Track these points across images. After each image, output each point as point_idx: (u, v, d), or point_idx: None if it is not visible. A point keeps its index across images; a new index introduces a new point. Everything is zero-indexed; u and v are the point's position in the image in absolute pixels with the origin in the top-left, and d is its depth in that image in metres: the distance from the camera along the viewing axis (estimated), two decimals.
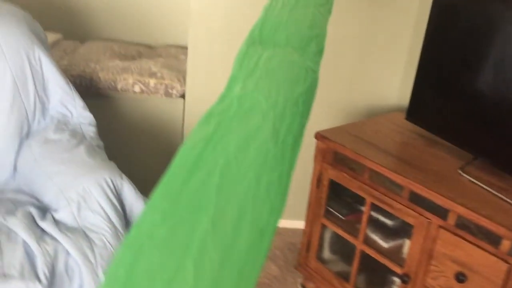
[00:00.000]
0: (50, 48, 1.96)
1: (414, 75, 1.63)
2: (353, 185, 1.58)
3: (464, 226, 1.33)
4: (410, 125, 1.68)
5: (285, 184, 0.61)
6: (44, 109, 1.61)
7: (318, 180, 1.69)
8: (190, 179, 0.51)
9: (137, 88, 2.00)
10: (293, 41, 0.86)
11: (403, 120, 1.70)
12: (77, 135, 1.58)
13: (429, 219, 1.39)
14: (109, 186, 1.39)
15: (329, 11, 1.11)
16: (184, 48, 2.30)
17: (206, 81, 1.97)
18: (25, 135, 1.57)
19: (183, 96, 2.04)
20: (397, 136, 1.69)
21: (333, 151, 1.63)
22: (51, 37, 2.19)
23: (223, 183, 0.51)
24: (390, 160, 1.52)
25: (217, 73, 1.94)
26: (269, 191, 0.56)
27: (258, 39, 0.86)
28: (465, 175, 1.45)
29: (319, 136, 1.65)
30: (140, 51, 2.30)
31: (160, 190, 0.51)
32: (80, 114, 1.66)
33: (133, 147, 2.08)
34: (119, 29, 2.39)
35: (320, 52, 0.92)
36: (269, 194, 0.55)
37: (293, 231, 2.15)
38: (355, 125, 1.74)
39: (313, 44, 0.89)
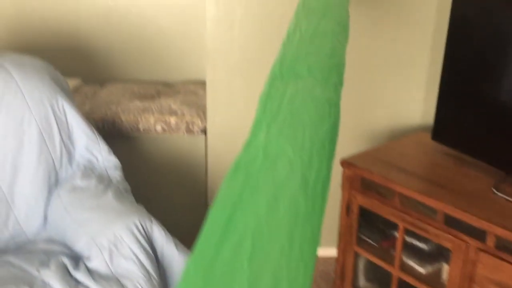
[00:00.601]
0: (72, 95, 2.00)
1: (436, 92, 1.61)
2: (384, 211, 1.55)
3: (504, 248, 1.29)
4: (437, 145, 1.65)
5: (317, 237, 0.58)
6: (70, 157, 1.63)
7: (347, 208, 1.66)
8: (222, 247, 0.49)
9: (158, 128, 2.01)
10: (314, 72, 0.85)
11: (429, 140, 1.67)
12: (104, 180, 1.59)
13: (467, 242, 1.35)
14: (139, 230, 1.39)
15: (346, 39, 1.10)
16: (202, 83, 2.32)
17: (226, 116, 1.98)
18: (53, 184, 1.59)
19: (204, 131, 2.04)
20: (424, 158, 1.66)
21: (360, 178, 1.60)
22: (71, 83, 2.24)
23: (255, 251, 0.49)
24: (420, 183, 1.49)
25: (237, 107, 1.95)
26: (302, 250, 0.53)
27: (279, 74, 0.85)
28: (499, 193, 1.41)
29: (345, 163, 1.63)
30: (159, 89, 2.33)
31: (193, 262, 0.49)
32: (106, 159, 1.67)
33: (159, 186, 2.08)
34: (137, 69, 2.43)
35: (341, 82, 0.91)
36: (302, 254, 0.53)
37: (325, 259, 2.12)
38: (381, 149, 1.72)
39: (334, 74, 0.88)
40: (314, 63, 0.87)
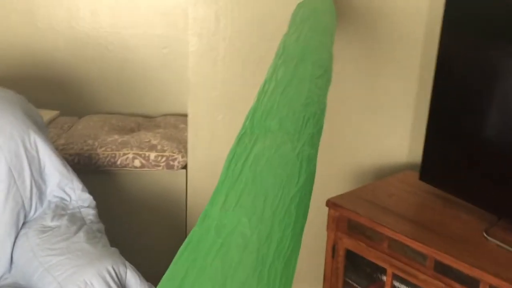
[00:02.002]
0: (47, 126, 1.91)
1: (423, 130, 1.57)
2: (372, 255, 1.48)
3: None
4: (425, 186, 1.60)
5: None
6: (41, 195, 1.54)
7: (333, 250, 1.59)
8: None
9: (137, 163, 1.93)
10: (286, 125, 0.78)
11: (416, 180, 1.62)
12: (76, 221, 1.50)
13: None
14: (112, 277, 1.30)
15: (328, 81, 1.04)
16: (183, 116, 2.26)
17: (208, 151, 1.91)
18: (22, 224, 1.49)
19: (185, 167, 1.97)
20: (412, 199, 1.61)
21: (347, 219, 1.54)
22: (48, 114, 2.16)
23: None
24: (409, 226, 1.43)
25: (219, 142, 1.89)
26: None
27: (249, 128, 0.78)
28: (491, 239, 1.36)
29: (331, 203, 1.56)
30: (139, 122, 2.26)
31: None
32: (79, 197, 1.58)
33: (135, 225, 1.99)
34: (117, 101, 2.36)
35: (318, 131, 0.85)
36: None
37: None
38: (367, 189, 1.66)
39: (309, 124, 0.81)
40: (286, 115, 0.80)
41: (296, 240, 0.60)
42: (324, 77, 1.00)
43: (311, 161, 0.74)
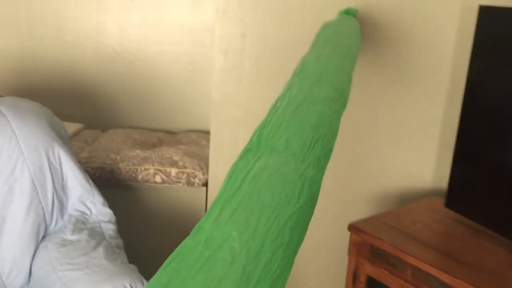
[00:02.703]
0: (71, 139, 1.93)
1: (449, 155, 1.53)
2: (395, 283, 1.44)
3: None
4: (450, 213, 1.56)
5: None
6: (62, 208, 1.54)
7: (354, 277, 1.55)
8: None
9: (158, 179, 1.93)
10: (293, 145, 0.76)
11: (442, 206, 1.58)
12: (96, 235, 1.50)
13: None
14: None
15: (343, 104, 1.02)
16: (205, 133, 2.26)
17: (228, 169, 1.90)
18: (42, 237, 1.49)
19: (205, 184, 1.96)
20: (438, 226, 1.56)
21: (369, 245, 1.50)
22: (73, 127, 2.18)
23: None
24: (434, 256, 1.39)
25: None
26: None
27: (255, 145, 0.76)
28: None
29: (353, 228, 1.53)
30: (161, 137, 2.27)
31: None
32: (100, 212, 1.58)
33: (155, 239, 1.98)
34: (140, 115, 2.38)
35: (326, 155, 0.82)
36: None
37: None
38: (390, 214, 1.62)
39: (317, 147, 0.78)
40: (294, 135, 0.79)
41: (287, 262, 0.58)
42: (339, 100, 0.98)
43: (314, 183, 0.73)
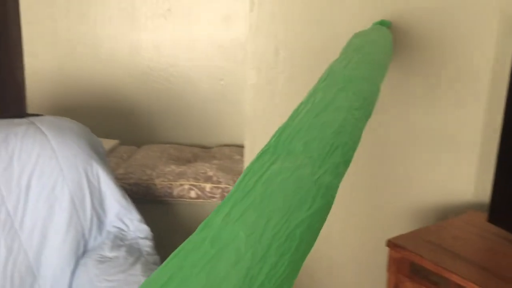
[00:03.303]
0: (108, 155, 1.97)
1: (490, 168, 1.48)
2: None
3: None
4: (493, 228, 1.51)
5: None
6: (100, 225, 1.57)
7: None
8: None
9: (193, 194, 1.94)
10: (311, 149, 0.74)
11: (483, 221, 1.53)
12: (133, 252, 1.51)
13: None
14: None
15: (367, 115, 1.00)
16: (238, 147, 2.26)
17: None
18: (81, 253, 1.52)
19: None
20: (480, 242, 1.51)
21: (409, 262, 1.47)
22: (109, 143, 2.22)
23: None
24: (478, 273, 1.34)
25: None
26: None
27: (272, 147, 0.75)
28: None
29: (392, 244, 1.50)
30: (195, 152, 2.28)
31: None
32: (137, 228, 1.60)
33: None
34: (174, 131, 2.40)
35: (345, 163, 0.80)
36: None
37: None
38: (430, 230, 1.58)
39: (337, 154, 0.76)
40: (313, 138, 0.77)
41: (293, 268, 0.57)
42: (363, 109, 0.96)
43: (330, 190, 0.71)
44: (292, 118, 0.84)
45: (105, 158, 1.71)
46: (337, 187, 0.73)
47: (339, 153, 0.77)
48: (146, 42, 2.29)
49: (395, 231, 1.58)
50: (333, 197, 0.71)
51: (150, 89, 2.35)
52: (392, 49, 1.51)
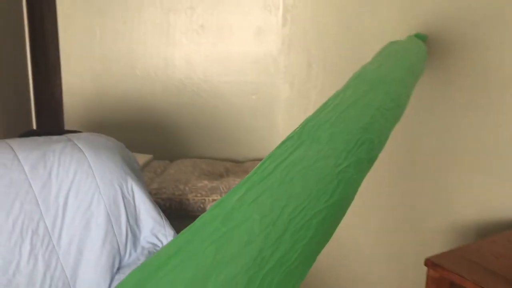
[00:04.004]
0: (142, 170, 1.99)
1: None
2: None
3: None
4: None
5: None
6: (135, 241, 1.58)
7: None
8: None
9: None
10: (336, 141, 0.72)
11: None
12: None
13: None
14: None
15: (397, 117, 0.97)
16: None
17: None
18: (116, 269, 1.53)
19: None
20: None
21: (449, 282, 1.42)
22: (143, 158, 2.25)
23: None
24: None
25: None
26: None
27: (297, 134, 0.73)
28: None
29: (430, 263, 1.45)
30: (227, 167, 2.28)
31: None
32: None
33: None
34: (207, 145, 2.41)
35: (370, 160, 0.77)
36: None
37: None
38: (470, 248, 1.53)
39: (362, 149, 0.74)
40: (340, 131, 0.75)
41: (306, 258, 0.54)
42: (393, 111, 0.94)
43: (351, 185, 0.68)
44: (319, 110, 0.82)
45: (139, 173, 1.72)
46: (358, 183, 0.71)
47: (364, 149, 0.75)
48: (179, 57, 2.32)
49: (433, 249, 1.53)
50: (353, 193, 0.69)
51: (182, 103, 2.37)
52: (426, 59, 1.48)
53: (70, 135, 1.65)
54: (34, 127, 2.73)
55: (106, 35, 2.35)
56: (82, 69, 2.41)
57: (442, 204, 1.79)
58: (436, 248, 1.54)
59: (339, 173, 0.66)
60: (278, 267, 0.49)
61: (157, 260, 0.46)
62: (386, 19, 1.68)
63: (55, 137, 1.62)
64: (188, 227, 0.51)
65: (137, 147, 2.20)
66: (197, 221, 0.53)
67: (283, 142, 0.71)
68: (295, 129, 0.75)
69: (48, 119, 2.71)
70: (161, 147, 2.41)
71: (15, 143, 1.54)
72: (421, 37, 1.58)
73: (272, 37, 2.18)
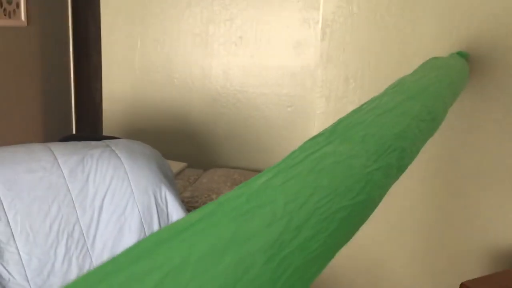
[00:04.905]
0: (175, 177, 2.01)
1: None
2: None
3: None
4: None
5: None
6: None
7: None
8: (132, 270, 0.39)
9: None
10: (368, 143, 0.70)
11: None
12: None
13: None
14: None
15: (431, 130, 0.95)
16: None
17: None
18: None
19: None
20: None
21: None
22: (177, 166, 2.28)
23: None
24: None
25: None
26: None
27: (329, 131, 0.72)
28: None
29: None
30: None
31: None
32: None
33: None
34: (240, 156, 2.42)
35: (399, 168, 0.75)
36: None
37: None
38: (506, 274, 1.48)
39: (393, 156, 0.72)
40: (373, 134, 0.73)
41: (327, 250, 0.53)
42: (429, 123, 0.92)
43: (378, 188, 0.66)
44: (354, 112, 0.81)
45: (173, 181, 1.74)
46: (385, 189, 0.70)
47: (396, 156, 0.74)
48: (217, 67, 2.35)
49: (468, 273, 1.49)
50: (379, 197, 0.67)
51: (218, 113, 2.39)
52: (468, 78, 1.45)
53: (108, 141, 1.69)
54: (74, 131, 2.81)
55: (146, 44, 2.41)
56: (122, 76, 2.47)
57: (480, 226, 1.74)
58: (471, 272, 1.50)
59: (367, 174, 0.66)
60: (298, 252, 0.48)
61: (180, 225, 0.46)
62: (427, 36, 1.65)
63: (93, 143, 1.66)
64: (214, 201, 0.52)
65: (172, 154, 2.24)
66: (223, 197, 0.53)
67: (315, 137, 0.71)
68: (327, 127, 0.75)
69: (87, 123, 2.78)
70: (195, 155, 2.43)
71: (56, 147, 1.58)
72: (463, 55, 1.55)
73: (310, 50, 2.18)
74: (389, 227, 1.81)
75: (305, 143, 0.69)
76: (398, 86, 1.00)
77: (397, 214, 1.80)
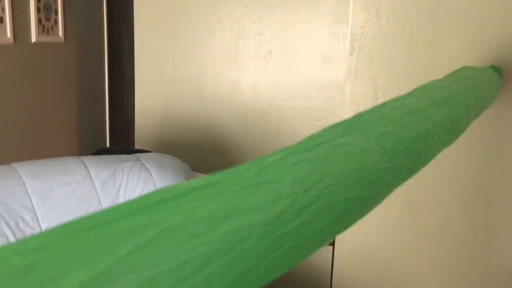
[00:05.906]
0: None
1: None
2: None
3: None
4: None
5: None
6: None
7: None
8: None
9: None
10: (386, 140, 0.70)
11: None
12: None
13: None
14: None
15: (450, 140, 0.93)
16: None
17: (357, 230, 1.84)
18: None
19: (332, 243, 1.92)
20: None
21: None
22: None
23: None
24: None
25: (369, 221, 1.81)
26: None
27: (348, 122, 0.72)
28: None
29: None
30: None
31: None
32: None
33: None
34: None
35: (410, 171, 0.74)
36: None
37: None
38: None
39: (407, 157, 0.72)
40: (392, 132, 0.73)
41: (322, 237, 0.53)
42: (449, 133, 0.90)
43: (386, 186, 0.66)
44: (376, 108, 0.81)
45: None
46: (391, 189, 0.70)
47: (410, 158, 0.73)
48: (246, 81, 2.37)
49: None
50: (384, 196, 0.67)
51: (247, 127, 2.41)
52: (498, 92, 1.42)
53: (139, 155, 1.73)
54: (108, 144, 2.88)
55: (177, 58, 2.45)
56: (154, 90, 2.52)
57: (509, 245, 1.69)
58: None
59: (378, 171, 0.65)
60: (294, 234, 0.49)
61: (185, 187, 0.47)
62: (457, 49, 1.63)
63: (125, 156, 1.71)
64: (222, 171, 0.53)
65: (202, 167, 2.27)
66: (232, 169, 0.54)
67: (332, 126, 0.72)
68: (348, 118, 0.75)
69: (120, 137, 2.85)
70: (223, 169, 2.45)
71: (88, 160, 1.63)
72: (496, 69, 1.53)
73: (338, 64, 2.18)
74: (419, 241, 1.78)
75: (322, 131, 0.70)
76: (425, 90, 1.00)
77: (429, 229, 1.76)
